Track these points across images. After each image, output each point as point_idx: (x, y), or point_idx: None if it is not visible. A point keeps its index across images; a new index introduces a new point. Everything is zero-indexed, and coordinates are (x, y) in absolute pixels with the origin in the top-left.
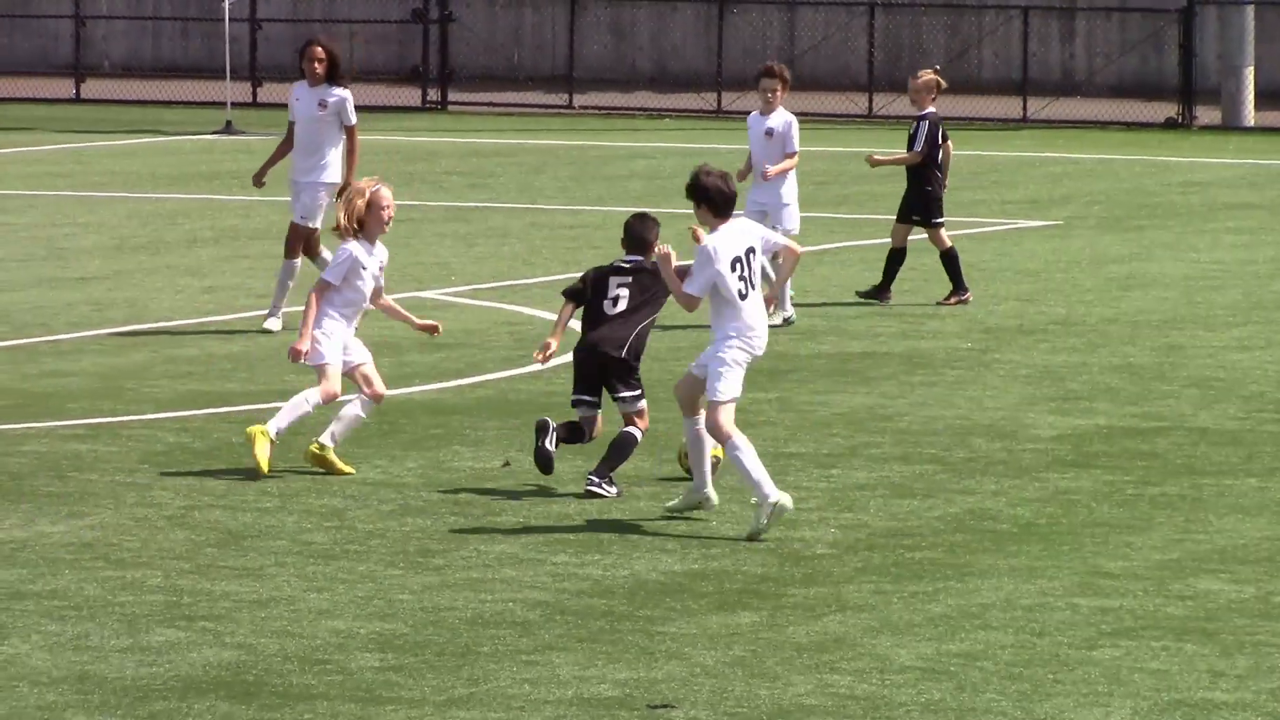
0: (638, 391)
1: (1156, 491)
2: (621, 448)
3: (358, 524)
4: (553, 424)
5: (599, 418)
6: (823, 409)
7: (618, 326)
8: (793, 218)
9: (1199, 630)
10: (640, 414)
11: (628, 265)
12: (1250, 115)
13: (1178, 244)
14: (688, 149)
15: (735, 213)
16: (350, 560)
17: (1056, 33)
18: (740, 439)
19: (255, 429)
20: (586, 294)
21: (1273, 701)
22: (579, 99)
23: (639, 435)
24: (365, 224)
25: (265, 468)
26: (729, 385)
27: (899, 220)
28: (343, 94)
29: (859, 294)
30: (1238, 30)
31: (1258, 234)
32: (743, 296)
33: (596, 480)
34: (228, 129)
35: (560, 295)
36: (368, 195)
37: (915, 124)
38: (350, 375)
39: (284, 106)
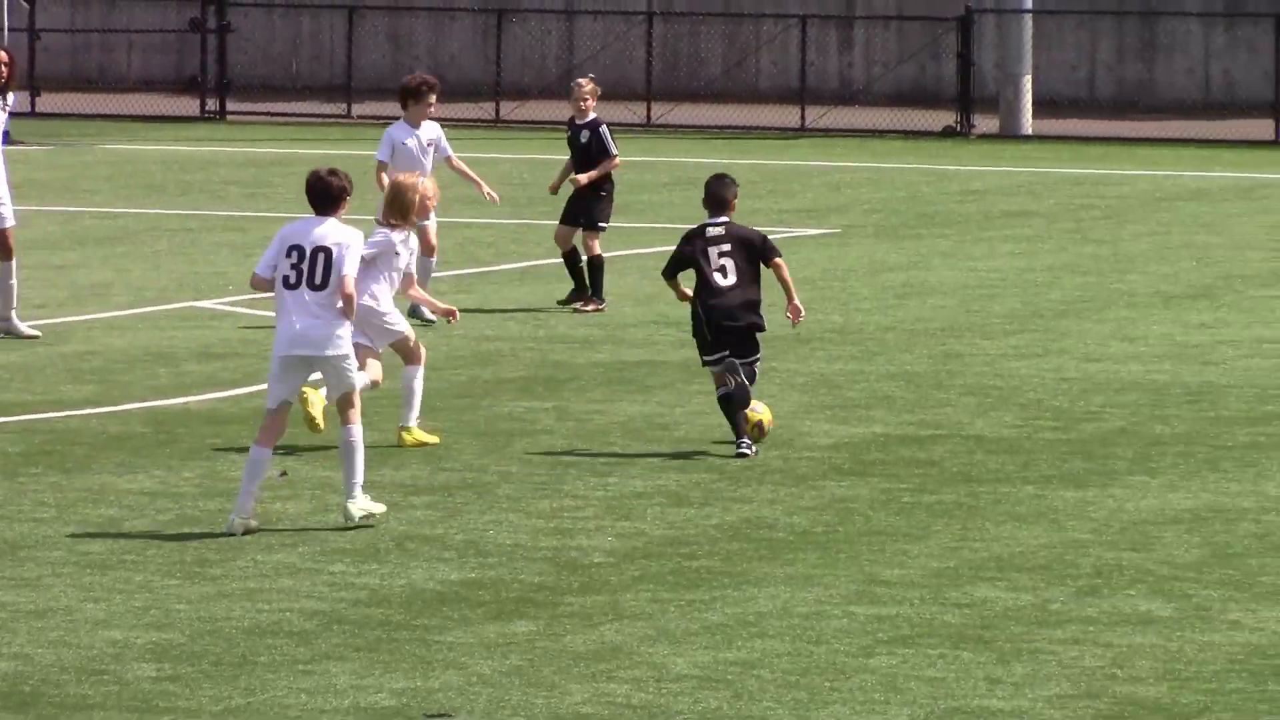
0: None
1: (933, 499)
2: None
3: (135, 534)
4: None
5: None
6: (600, 417)
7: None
8: None
9: (975, 638)
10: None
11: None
12: (1028, 123)
13: (955, 252)
14: (466, 158)
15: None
16: (127, 570)
17: (835, 41)
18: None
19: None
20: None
21: (1049, 709)
22: (357, 108)
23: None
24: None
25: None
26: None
27: (565, 223)
28: None
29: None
30: (1016, 38)
31: (1035, 242)
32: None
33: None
34: (4, 139)
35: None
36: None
37: (589, 131)
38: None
39: (63, 116)
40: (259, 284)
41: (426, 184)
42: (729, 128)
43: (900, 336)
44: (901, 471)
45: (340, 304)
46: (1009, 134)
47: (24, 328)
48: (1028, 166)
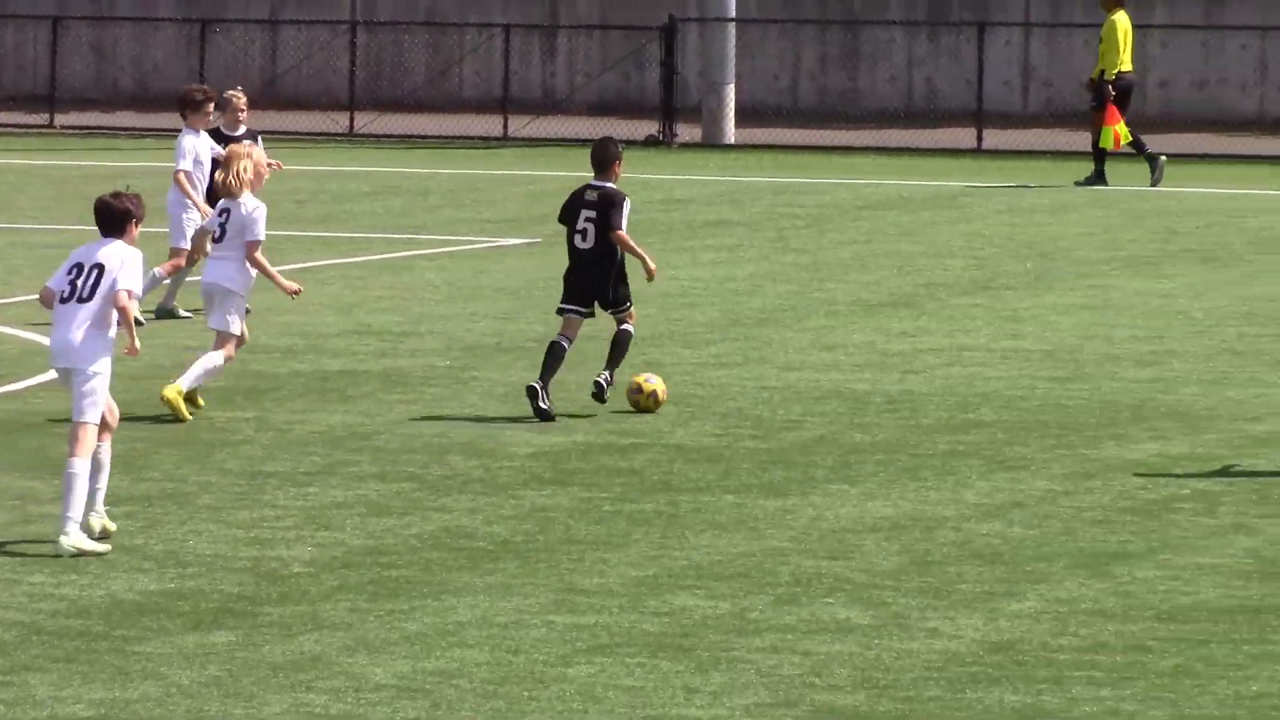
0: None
1: (633, 508)
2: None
3: None
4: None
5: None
6: (300, 427)
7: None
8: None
9: (674, 646)
10: None
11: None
12: (731, 133)
13: (657, 261)
14: (170, 168)
15: None
16: None
17: (538, 50)
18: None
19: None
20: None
21: (747, 717)
22: (60, 118)
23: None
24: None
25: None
26: None
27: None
28: None
29: None
30: (719, 48)
31: (737, 251)
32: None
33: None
34: None
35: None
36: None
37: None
38: None
39: None
40: (45, 298)
41: (258, 153)
42: (432, 137)
43: (601, 346)
44: (602, 480)
45: (115, 317)
46: (712, 143)
47: None
48: (730, 175)
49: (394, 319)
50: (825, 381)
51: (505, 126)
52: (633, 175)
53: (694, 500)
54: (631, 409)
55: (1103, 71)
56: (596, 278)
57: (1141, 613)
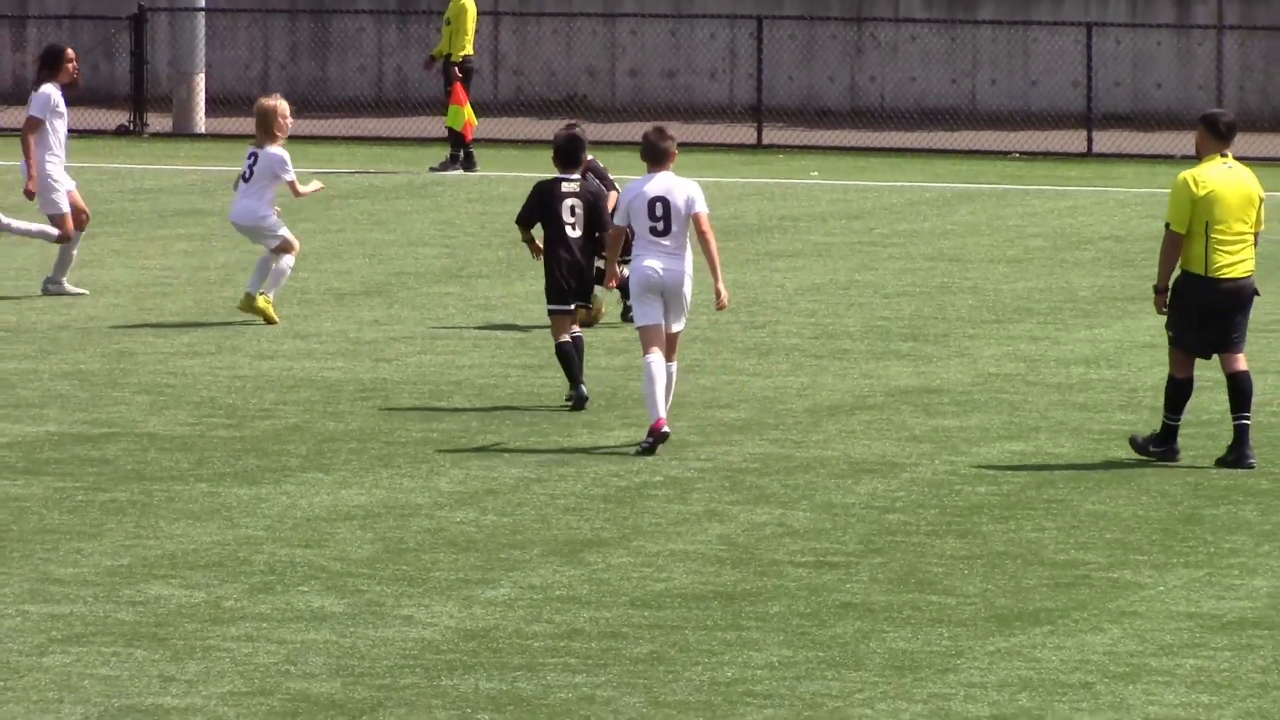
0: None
1: (107, 498)
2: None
3: None
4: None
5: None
6: None
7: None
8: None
9: (149, 635)
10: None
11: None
12: (201, 122)
13: (129, 250)
14: None
15: None
16: None
17: (9, 39)
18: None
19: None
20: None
21: (222, 706)
22: None
23: None
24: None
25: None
26: None
27: None
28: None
29: None
30: (189, 36)
31: (209, 240)
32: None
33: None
34: None
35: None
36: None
37: None
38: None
39: None
40: None
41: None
42: None
43: (74, 335)
44: (75, 470)
45: None
46: (183, 132)
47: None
48: (201, 165)
49: None
50: (298, 370)
51: None
52: (103, 165)
53: (167, 489)
54: (95, 402)
55: (448, 55)
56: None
57: (615, 599)
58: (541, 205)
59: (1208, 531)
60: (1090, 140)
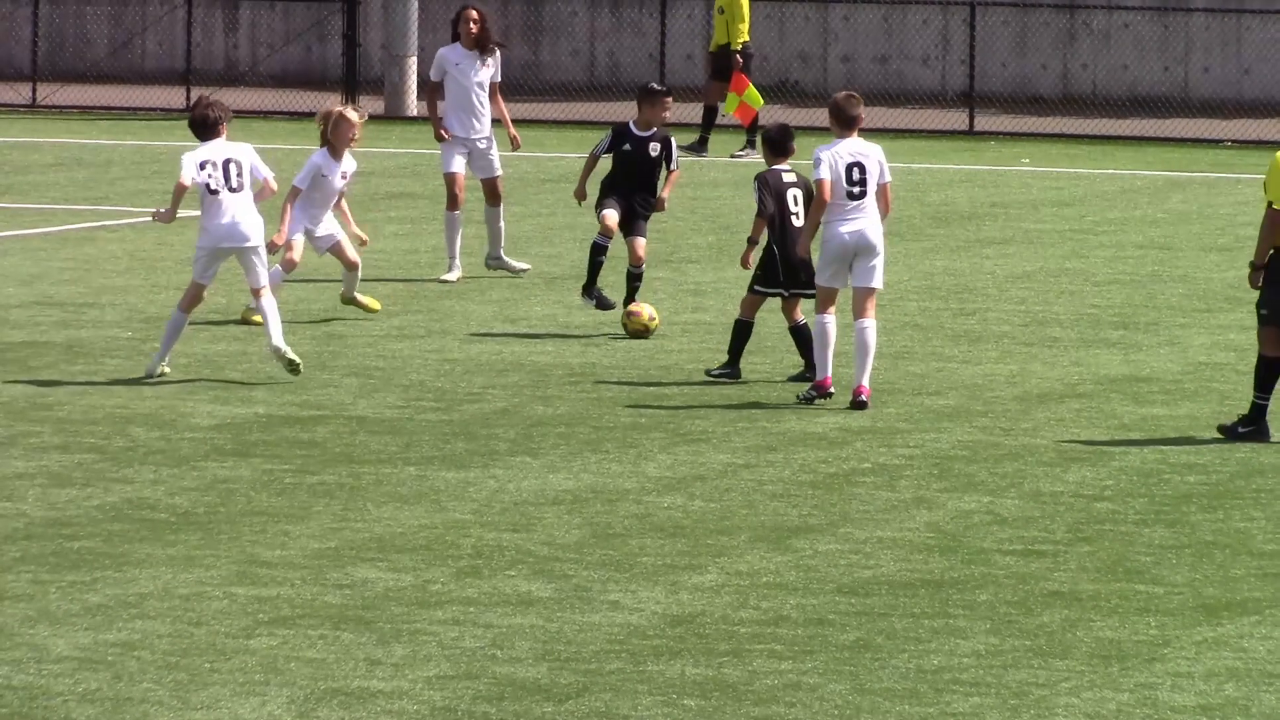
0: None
1: (315, 480)
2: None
3: None
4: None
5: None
6: None
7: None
8: None
9: (356, 619)
10: None
11: None
12: (413, 105)
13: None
14: None
15: None
16: None
17: (220, 23)
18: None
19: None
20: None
21: (428, 689)
22: None
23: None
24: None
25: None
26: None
27: None
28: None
29: None
30: (401, 19)
31: (419, 224)
32: None
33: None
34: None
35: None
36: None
37: None
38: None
39: None
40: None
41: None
42: (115, 108)
43: (284, 317)
44: (283, 452)
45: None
46: (394, 115)
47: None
48: (411, 148)
49: (76, 290)
50: (508, 354)
51: (188, 98)
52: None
53: (375, 472)
54: (304, 385)
55: (726, 44)
56: None
57: (822, 586)
58: (775, 196)
59: None
60: None
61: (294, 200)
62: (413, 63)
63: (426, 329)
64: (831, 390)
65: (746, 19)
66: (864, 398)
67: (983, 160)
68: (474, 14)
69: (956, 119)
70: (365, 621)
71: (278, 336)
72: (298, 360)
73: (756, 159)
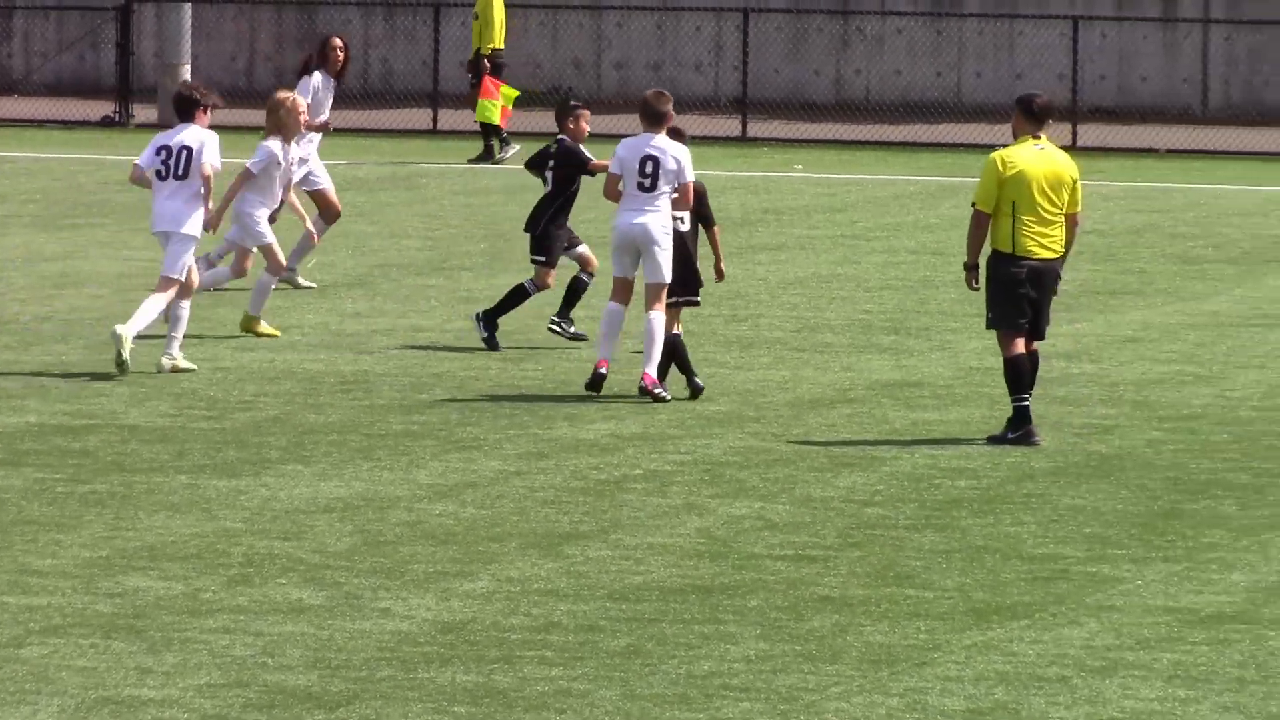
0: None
1: (87, 489)
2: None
3: None
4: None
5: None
6: None
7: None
8: None
9: (127, 627)
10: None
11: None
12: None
13: (113, 241)
14: None
15: None
16: None
17: None
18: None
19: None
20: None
21: (199, 698)
22: None
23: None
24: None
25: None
26: None
27: None
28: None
29: None
30: (175, 28)
31: None
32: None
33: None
34: None
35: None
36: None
37: None
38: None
39: None
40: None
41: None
42: None
43: (56, 326)
44: (55, 461)
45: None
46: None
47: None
48: None
49: None
50: (280, 362)
51: None
52: (89, 155)
53: (147, 481)
54: (76, 394)
55: (478, 49)
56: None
57: (593, 592)
58: None
59: (1187, 526)
60: (1075, 133)
61: (244, 181)
62: (186, 70)
63: (199, 337)
64: (604, 372)
65: (496, 25)
66: (645, 384)
67: (756, 167)
68: (339, 42)
69: (729, 125)
70: (136, 630)
71: (131, 328)
72: (126, 360)
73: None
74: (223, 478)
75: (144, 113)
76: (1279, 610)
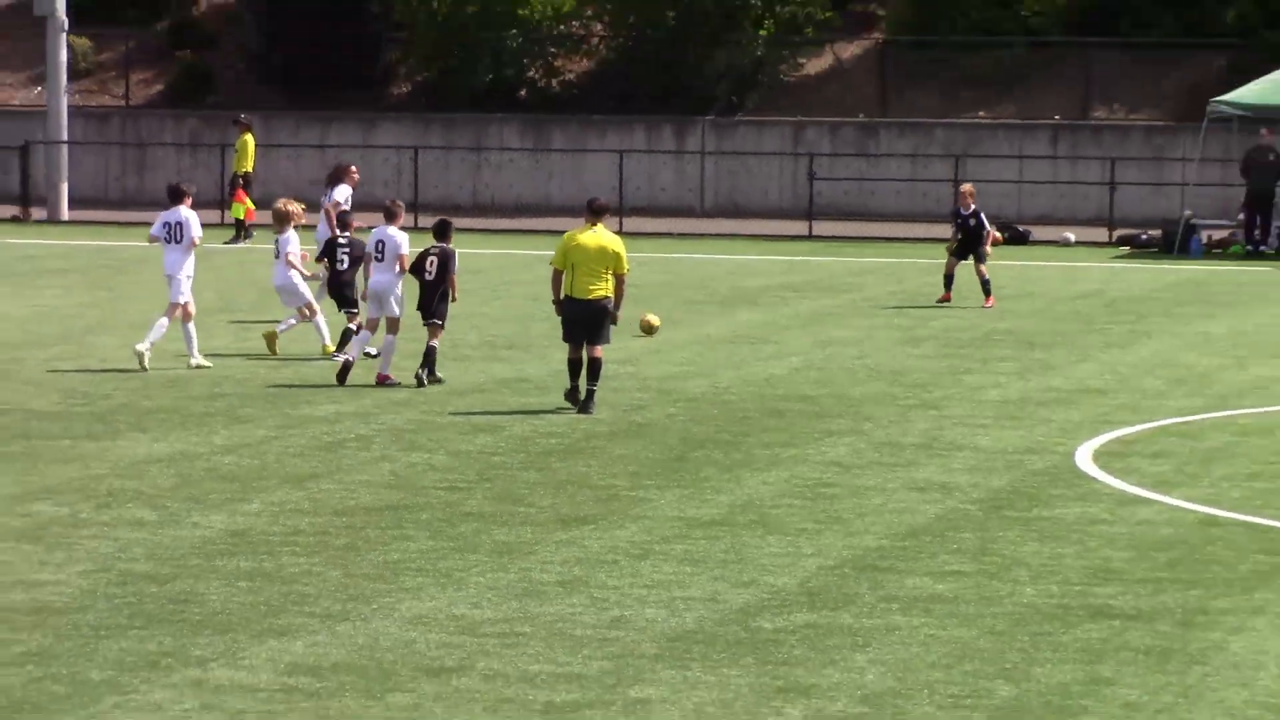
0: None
1: (4, 449)
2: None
3: None
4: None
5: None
6: None
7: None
8: None
9: (32, 536)
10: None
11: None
12: (65, 213)
13: (17, 294)
14: None
15: None
16: None
17: None
18: None
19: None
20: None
21: (79, 579)
22: None
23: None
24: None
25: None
26: None
27: None
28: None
29: None
30: (57, 159)
31: (70, 290)
32: None
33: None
34: None
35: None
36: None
37: None
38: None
39: None
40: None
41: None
42: None
43: None
44: None
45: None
46: (54, 220)
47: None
48: (66, 240)
49: None
50: (134, 373)
51: None
52: (3, 240)
53: (44, 444)
54: None
55: (235, 172)
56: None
57: (325, 511)
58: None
59: (690, 466)
60: (621, 223)
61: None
62: (64, 186)
63: (76, 353)
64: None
65: (248, 155)
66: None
67: None
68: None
69: None
70: (37, 538)
71: (146, 341)
72: (146, 367)
73: (239, 247)
74: (92, 441)
75: (38, 213)
76: (749, 518)
